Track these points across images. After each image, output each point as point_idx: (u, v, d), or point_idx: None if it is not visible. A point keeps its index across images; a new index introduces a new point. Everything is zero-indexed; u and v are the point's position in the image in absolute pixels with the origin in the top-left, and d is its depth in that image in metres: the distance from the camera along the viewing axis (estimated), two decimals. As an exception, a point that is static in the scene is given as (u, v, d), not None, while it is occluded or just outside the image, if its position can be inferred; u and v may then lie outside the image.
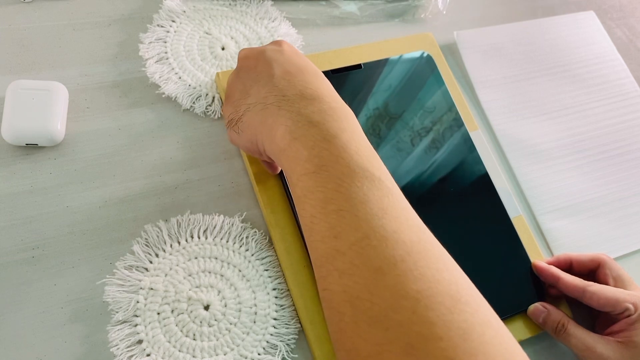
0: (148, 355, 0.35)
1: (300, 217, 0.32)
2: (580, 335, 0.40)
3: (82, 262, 0.38)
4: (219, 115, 0.45)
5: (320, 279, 0.30)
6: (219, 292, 0.38)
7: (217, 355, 0.36)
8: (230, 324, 0.38)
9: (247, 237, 0.41)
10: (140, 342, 0.36)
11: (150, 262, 0.38)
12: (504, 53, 0.56)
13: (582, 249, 0.47)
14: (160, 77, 0.45)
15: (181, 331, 0.37)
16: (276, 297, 0.39)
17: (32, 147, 0.41)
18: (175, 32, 0.47)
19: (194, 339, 0.36)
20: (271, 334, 0.38)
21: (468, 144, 0.48)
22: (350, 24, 0.54)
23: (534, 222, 0.49)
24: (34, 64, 0.43)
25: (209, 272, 0.39)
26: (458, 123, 0.48)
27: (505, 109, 0.53)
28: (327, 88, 0.35)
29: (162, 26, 0.47)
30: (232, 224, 0.41)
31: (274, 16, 0.51)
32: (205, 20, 0.48)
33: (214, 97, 0.45)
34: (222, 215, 0.41)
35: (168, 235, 0.39)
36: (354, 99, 0.46)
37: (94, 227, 0.39)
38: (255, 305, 0.39)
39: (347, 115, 0.33)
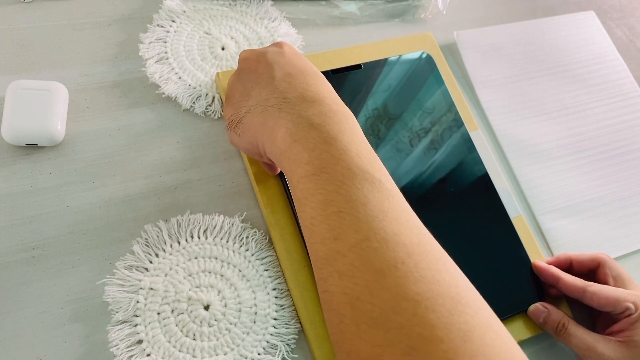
0: (148, 355, 0.35)
1: (301, 219, 0.32)
2: (581, 335, 0.40)
3: (82, 262, 0.38)
4: (219, 115, 0.45)
5: (320, 281, 0.30)
6: (219, 292, 0.38)
7: (217, 355, 0.36)
8: (230, 324, 0.38)
9: (247, 237, 0.41)
10: (140, 342, 0.36)
11: (150, 262, 0.38)
12: (504, 53, 0.56)
13: (582, 249, 0.47)
14: (160, 77, 0.45)
15: (181, 331, 0.37)
16: (276, 297, 0.39)
17: (32, 147, 0.41)
18: (175, 32, 0.47)
19: (194, 339, 0.36)
20: (271, 334, 0.38)
21: (468, 144, 0.48)
22: (350, 24, 0.54)
23: (534, 222, 0.49)
24: (34, 64, 0.43)
25: (209, 272, 0.39)
26: (458, 123, 0.48)
27: (505, 109, 0.53)
28: (327, 90, 0.35)
29: (162, 26, 0.47)
30: (232, 224, 0.41)
31: (274, 16, 0.51)
32: (205, 20, 0.48)
33: (214, 97, 0.45)
34: (222, 215, 0.41)
35: (168, 235, 0.39)
36: (354, 99, 0.46)
37: (94, 227, 0.39)
38: (255, 305, 0.39)
39: (347, 118, 0.33)
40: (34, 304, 0.36)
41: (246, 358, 0.37)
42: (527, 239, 0.46)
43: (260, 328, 0.38)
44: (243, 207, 0.42)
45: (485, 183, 0.47)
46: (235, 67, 0.46)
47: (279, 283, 0.40)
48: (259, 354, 0.37)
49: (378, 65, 0.48)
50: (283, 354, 0.38)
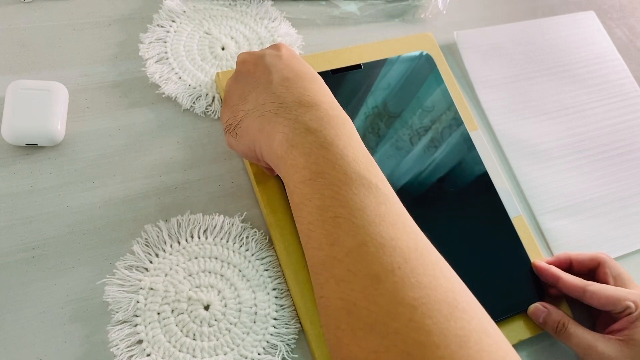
0: (148, 355, 0.35)
1: (298, 224, 0.32)
2: (581, 334, 0.40)
3: (82, 262, 0.38)
4: (219, 115, 0.45)
5: (317, 287, 0.30)
6: (219, 292, 0.38)
7: (217, 355, 0.36)
8: (230, 324, 0.38)
9: (247, 237, 0.41)
10: (140, 342, 0.36)
11: (150, 262, 0.38)
12: (504, 53, 0.56)
13: (582, 249, 0.47)
14: (160, 77, 0.45)
15: (181, 331, 0.37)
16: (276, 297, 0.39)
17: (32, 147, 0.41)
18: (175, 32, 0.47)
19: (194, 339, 0.36)
20: (271, 334, 0.38)
21: (468, 144, 0.48)
22: (350, 24, 0.54)
23: (534, 222, 0.49)
24: (34, 64, 0.43)
25: (209, 272, 0.39)
26: (458, 123, 0.48)
27: (505, 109, 0.53)
28: (325, 94, 0.35)
29: (162, 26, 0.47)
30: (232, 224, 0.41)
31: (274, 16, 0.51)
32: (205, 20, 0.48)
33: (214, 97, 0.45)
34: (222, 215, 0.41)
35: (168, 235, 0.39)
36: (354, 99, 0.46)
37: (94, 227, 0.39)
38: (255, 305, 0.39)
39: (344, 123, 0.33)
40: (34, 304, 0.36)
41: (246, 358, 0.37)
42: (527, 239, 0.46)
43: (260, 328, 0.38)
44: (243, 207, 0.42)
45: (485, 183, 0.47)
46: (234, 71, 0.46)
47: (279, 283, 0.40)
48: (259, 354, 0.37)
49: (378, 65, 0.48)
50: (283, 354, 0.38)
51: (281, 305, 0.39)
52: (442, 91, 0.49)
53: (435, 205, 0.45)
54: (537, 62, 0.57)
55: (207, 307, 0.38)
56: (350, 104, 0.46)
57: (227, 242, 0.40)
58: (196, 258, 0.39)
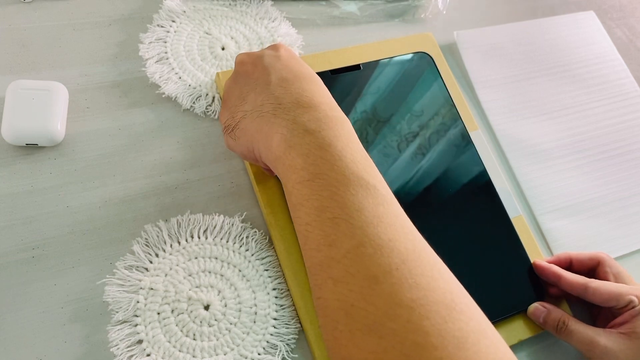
0: (148, 355, 0.35)
1: (296, 225, 0.32)
2: (582, 330, 0.40)
3: (82, 262, 0.38)
4: (219, 115, 0.45)
5: (314, 288, 0.30)
6: (219, 292, 0.38)
7: (217, 355, 0.36)
8: (230, 324, 0.38)
9: (247, 237, 0.41)
10: (140, 342, 0.36)
11: (150, 262, 0.38)
12: (504, 53, 0.56)
13: (582, 249, 0.47)
14: (160, 77, 0.45)
15: (181, 331, 0.37)
16: (276, 297, 0.39)
17: (32, 147, 0.41)
18: (175, 32, 0.47)
19: (194, 339, 0.36)
20: (271, 334, 0.38)
21: (468, 144, 0.48)
22: (350, 24, 0.54)
23: (534, 222, 0.49)
24: (34, 64, 0.43)
25: (209, 272, 0.39)
26: (458, 123, 0.48)
27: (505, 109, 0.53)
28: (323, 95, 0.34)
29: (162, 26, 0.47)
30: (232, 224, 0.41)
31: (274, 16, 0.51)
32: (205, 20, 0.48)
33: (214, 97, 0.45)
34: (222, 215, 0.41)
35: (168, 235, 0.39)
36: (353, 99, 0.46)
37: (94, 227, 0.39)
38: (255, 305, 0.39)
39: (343, 124, 0.33)
40: (34, 304, 0.36)
41: (246, 358, 0.37)
42: (527, 239, 0.46)
43: (260, 328, 0.38)
44: (243, 207, 0.42)
45: (485, 183, 0.47)
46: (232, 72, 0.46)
47: (279, 283, 0.40)
48: (259, 354, 0.37)
49: (377, 66, 0.48)
50: (283, 354, 0.38)
51: (281, 305, 0.39)
52: (442, 91, 0.49)
53: (435, 205, 0.45)
54: (537, 62, 0.57)
55: (207, 307, 0.38)
56: (349, 105, 0.46)
57: (227, 242, 0.40)
58: (196, 258, 0.39)
